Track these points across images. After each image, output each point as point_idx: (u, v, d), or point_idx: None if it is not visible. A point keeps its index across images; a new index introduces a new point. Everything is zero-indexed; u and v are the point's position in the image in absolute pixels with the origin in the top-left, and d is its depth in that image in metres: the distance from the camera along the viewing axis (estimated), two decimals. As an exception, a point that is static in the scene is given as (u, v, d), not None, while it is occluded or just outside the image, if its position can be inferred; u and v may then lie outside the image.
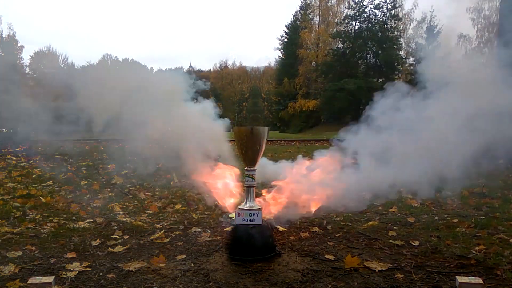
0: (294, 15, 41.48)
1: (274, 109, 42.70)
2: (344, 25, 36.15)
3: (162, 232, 2.61)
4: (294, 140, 14.87)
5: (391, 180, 2.38)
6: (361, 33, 34.69)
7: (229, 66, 56.58)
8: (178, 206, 3.44)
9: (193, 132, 2.54)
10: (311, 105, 35.66)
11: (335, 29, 37.38)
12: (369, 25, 34.73)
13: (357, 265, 1.97)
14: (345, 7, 37.27)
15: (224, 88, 53.51)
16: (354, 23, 35.60)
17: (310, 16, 39.45)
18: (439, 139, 2.30)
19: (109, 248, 2.30)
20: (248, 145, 2.16)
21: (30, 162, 6.32)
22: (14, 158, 6.69)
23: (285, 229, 2.62)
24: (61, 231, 2.68)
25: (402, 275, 1.86)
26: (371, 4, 35.16)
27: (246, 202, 2.18)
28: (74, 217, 3.04)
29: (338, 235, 2.57)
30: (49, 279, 1.72)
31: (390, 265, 1.99)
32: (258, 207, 2.15)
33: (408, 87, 2.53)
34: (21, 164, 6.23)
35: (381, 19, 35.05)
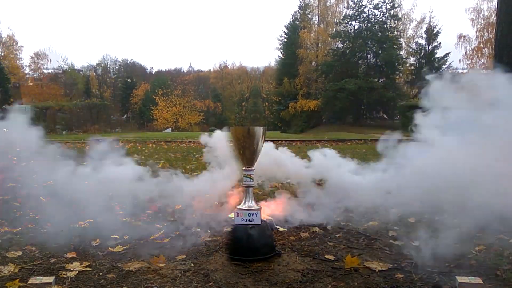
0: (293, 15, 41.55)
1: (275, 109, 42.69)
2: (344, 25, 36.15)
3: (162, 232, 2.61)
4: (295, 140, 14.88)
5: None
6: (361, 33, 34.68)
7: (229, 66, 56.64)
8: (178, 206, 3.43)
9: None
10: (312, 105, 35.65)
11: (334, 29, 37.39)
12: (369, 25, 34.72)
13: (357, 265, 1.97)
14: (344, 7, 37.31)
15: (224, 88, 53.56)
16: (353, 23, 35.61)
17: (309, 16, 39.47)
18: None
19: (109, 248, 2.30)
20: (245, 145, 2.16)
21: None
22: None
23: (285, 229, 2.62)
24: (61, 231, 2.68)
25: (402, 275, 1.86)
26: (370, 4, 35.16)
27: (244, 202, 2.18)
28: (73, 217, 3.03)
29: (338, 235, 2.57)
30: (49, 279, 1.73)
31: (390, 265, 1.99)
32: (257, 207, 2.15)
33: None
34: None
35: (381, 19, 35.04)
